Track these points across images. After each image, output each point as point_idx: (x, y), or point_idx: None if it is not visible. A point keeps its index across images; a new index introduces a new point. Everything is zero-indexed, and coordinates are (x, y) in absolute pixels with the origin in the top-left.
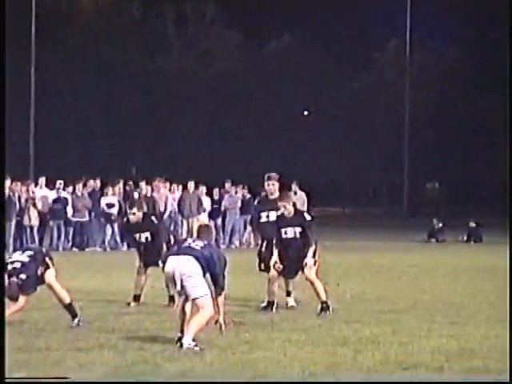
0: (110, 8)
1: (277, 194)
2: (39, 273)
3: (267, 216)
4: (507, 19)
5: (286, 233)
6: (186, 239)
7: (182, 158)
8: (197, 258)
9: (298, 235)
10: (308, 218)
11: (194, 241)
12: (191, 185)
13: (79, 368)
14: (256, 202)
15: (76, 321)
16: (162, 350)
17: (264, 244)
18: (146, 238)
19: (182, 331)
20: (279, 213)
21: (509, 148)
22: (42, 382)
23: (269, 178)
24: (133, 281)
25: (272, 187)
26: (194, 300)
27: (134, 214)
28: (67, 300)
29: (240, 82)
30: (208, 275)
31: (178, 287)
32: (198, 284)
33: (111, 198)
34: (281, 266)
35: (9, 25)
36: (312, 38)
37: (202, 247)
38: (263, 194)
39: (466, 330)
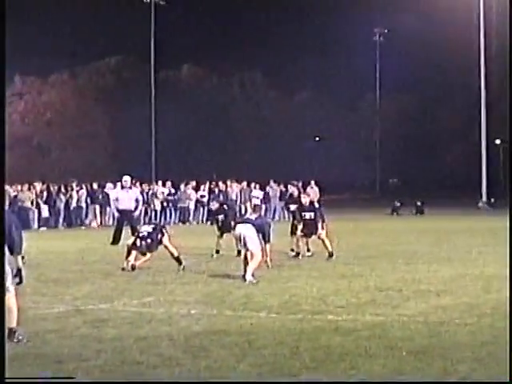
0: (199, 76)
1: (296, 194)
2: (159, 238)
3: (292, 207)
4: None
5: (305, 215)
6: (246, 213)
7: (245, 165)
8: (253, 225)
9: (312, 216)
10: (317, 206)
11: (251, 214)
12: (244, 183)
13: (183, 294)
14: (287, 197)
15: (181, 267)
16: (232, 282)
17: (294, 222)
18: (222, 218)
19: (245, 271)
20: (300, 201)
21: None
22: (43, 382)
23: (292, 185)
24: (215, 241)
25: (294, 189)
26: (250, 251)
27: (214, 205)
28: (176, 254)
29: (276, 118)
30: (261, 235)
31: (242, 243)
32: (253, 241)
33: (202, 192)
34: (302, 233)
35: (137, 83)
36: (320, 91)
37: (256, 218)
38: (290, 192)
39: (418, 267)
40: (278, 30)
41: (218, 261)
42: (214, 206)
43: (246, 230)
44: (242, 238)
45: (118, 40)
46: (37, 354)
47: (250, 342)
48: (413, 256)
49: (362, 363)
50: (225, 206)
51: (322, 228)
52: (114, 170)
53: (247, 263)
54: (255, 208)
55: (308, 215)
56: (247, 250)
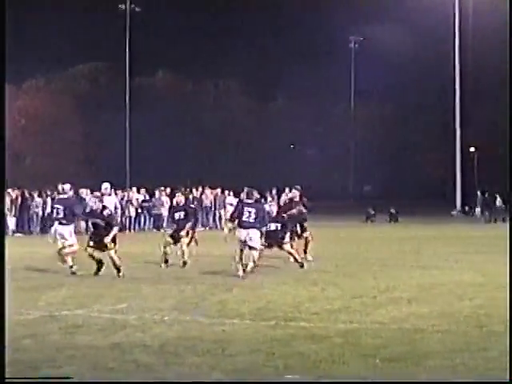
0: (174, 82)
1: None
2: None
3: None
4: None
5: (270, 226)
6: (242, 201)
7: (219, 172)
8: (255, 227)
9: (279, 227)
10: (285, 217)
11: (249, 214)
12: (219, 190)
13: (157, 300)
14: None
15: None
16: (206, 288)
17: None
18: (180, 216)
19: (243, 271)
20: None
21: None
22: (42, 382)
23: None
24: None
25: (285, 198)
26: (250, 248)
27: (178, 196)
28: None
29: (250, 126)
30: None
31: (244, 244)
32: (255, 241)
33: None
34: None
35: (112, 93)
36: (294, 99)
37: (254, 218)
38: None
39: (391, 275)
40: (252, 38)
41: (192, 267)
42: (179, 197)
43: (252, 234)
44: (245, 240)
45: (94, 46)
46: (11, 360)
47: (224, 349)
48: (387, 263)
49: (336, 370)
50: (188, 207)
51: (291, 239)
52: (89, 176)
53: (242, 263)
54: (248, 194)
55: (274, 226)
56: (249, 248)
